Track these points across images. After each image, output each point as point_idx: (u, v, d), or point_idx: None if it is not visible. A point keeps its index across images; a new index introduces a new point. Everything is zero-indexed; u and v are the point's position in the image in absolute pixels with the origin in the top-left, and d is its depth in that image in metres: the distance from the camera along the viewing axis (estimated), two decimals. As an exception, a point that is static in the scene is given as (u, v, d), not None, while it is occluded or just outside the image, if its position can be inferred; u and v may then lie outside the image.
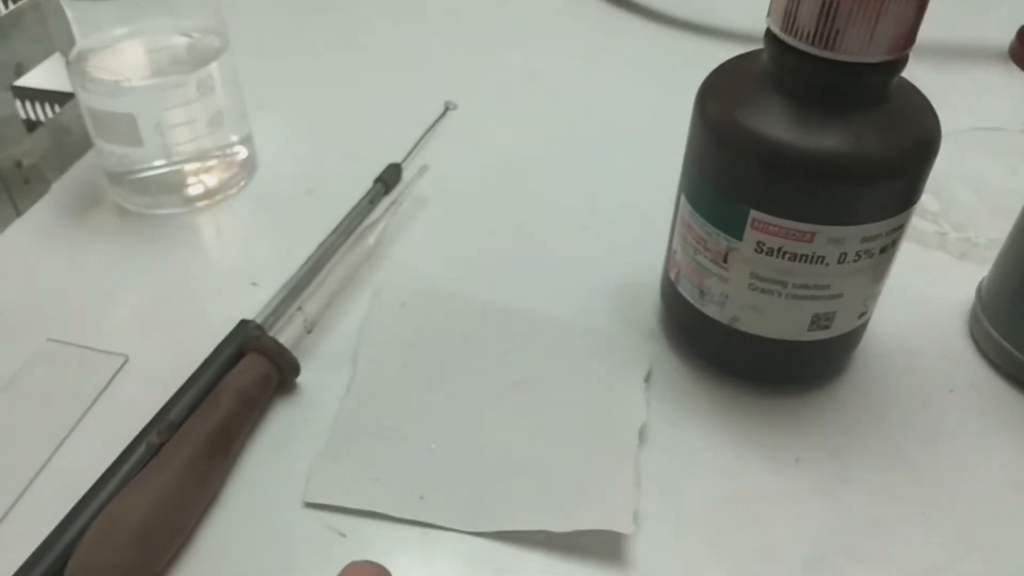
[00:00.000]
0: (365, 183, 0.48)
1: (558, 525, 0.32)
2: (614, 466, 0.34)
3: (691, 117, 0.35)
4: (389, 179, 0.48)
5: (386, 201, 0.47)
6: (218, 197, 0.47)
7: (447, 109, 0.55)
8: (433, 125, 0.53)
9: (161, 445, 0.33)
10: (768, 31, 0.32)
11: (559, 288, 0.43)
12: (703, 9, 0.66)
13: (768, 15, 0.32)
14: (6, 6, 0.46)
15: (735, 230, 0.33)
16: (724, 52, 0.60)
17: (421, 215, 0.47)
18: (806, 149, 0.31)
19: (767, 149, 0.31)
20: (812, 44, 0.30)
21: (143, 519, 0.30)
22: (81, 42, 0.43)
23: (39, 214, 0.47)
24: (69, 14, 0.43)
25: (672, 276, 0.38)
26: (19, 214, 0.47)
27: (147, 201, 0.47)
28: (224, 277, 0.44)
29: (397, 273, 0.42)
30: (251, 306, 0.40)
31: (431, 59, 0.61)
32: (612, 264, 0.44)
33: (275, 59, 0.58)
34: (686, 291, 0.37)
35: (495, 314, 0.41)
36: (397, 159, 0.50)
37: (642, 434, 0.35)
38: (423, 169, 0.47)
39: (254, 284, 0.43)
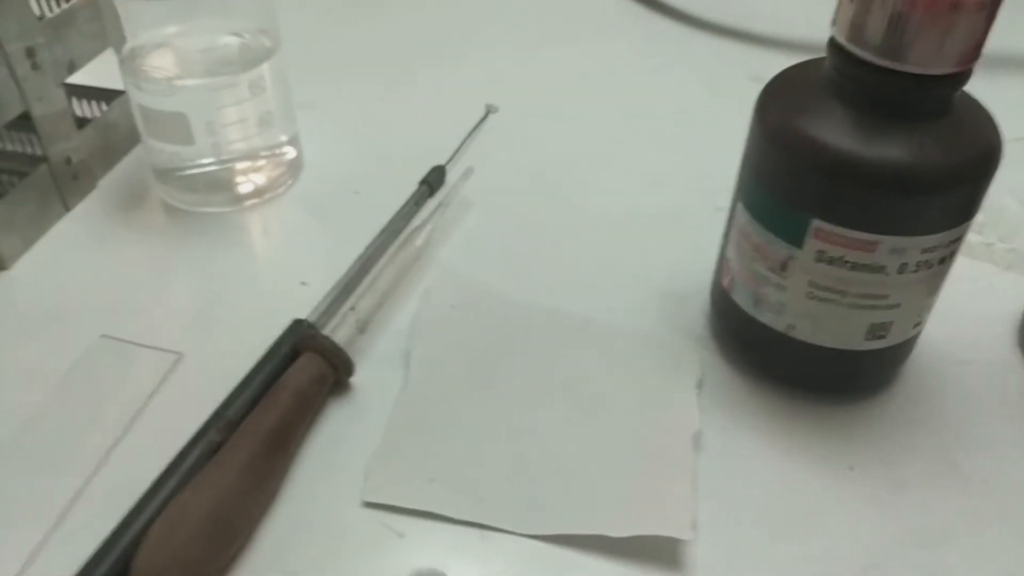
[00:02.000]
0: (409, 184, 0.48)
1: (617, 530, 0.32)
2: (670, 472, 0.34)
3: (750, 124, 0.35)
4: (433, 181, 0.49)
5: (431, 203, 0.47)
6: (266, 196, 0.48)
7: (488, 112, 0.55)
8: (475, 128, 0.53)
9: (221, 443, 0.33)
10: (832, 41, 0.32)
11: (605, 292, 0.43)
12: (742, 16, 0.66)
13: (833, 25, 0.32)
14: (58, 5, 0.46)
15: (795, 238, 0.33)
16: (763, 59, 0.61)
17: (466, 217, 0.48)
18: (871, 159, 0.31)
19: (831, 158, 0.31)
20: (880, 55, 0.30)
21: (207, 515, 0.30)
22: (132, 40, 0.44)
23: (86, 210, 0.48)
24: (121, 12, 0.43)
25: (725, 283, 0.38)
26: (68, 210, 0.47)
27: (194, 199, 0.47)
28: (273, 276, 0.44)
29: (445, 275, 0.43)
30: (301, 305, 0.40)
31: (471, 61, 0.62)
32: (658, 269, 0.44)
33: (316, 59, 0.58)
34: (740, 298, 0.37)
35: (543, 317, 0.41)
36: (440, 161, 0.50)
37: (696, 440, 0.35)
38: (468, 172, 0.48)
39: (303, 283, 0.43)
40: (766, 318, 0.36)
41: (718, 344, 0.40)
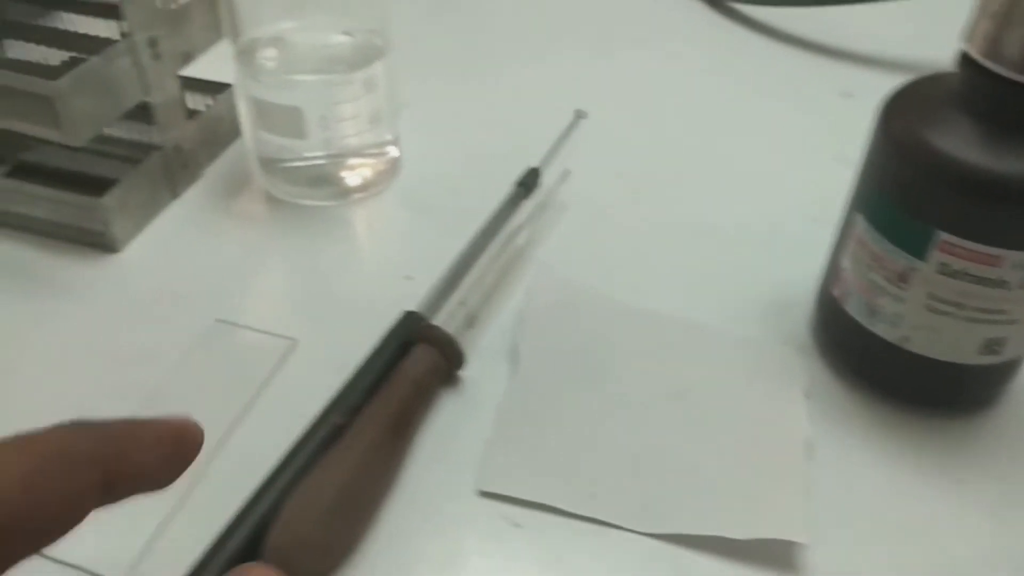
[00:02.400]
0: (503, 184, 0.49)
1: (736, 532, 0.32)
2: (784, 477, 0.34)
3: (872, 135, 0.35)
4: (529, 182, 0.49)
5: (527, 204, 0.48)
6: (370, 192, 0.49)
7: (577, 117, 0.56)
8: (566, 133, 0.54)
9: (343, 426, 0.34)
10: (965, 56, 0.33)
11: (702, 298, 0.43)
12: (830, 31, 0.66)
13: (967, 41, 0.32)
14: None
15: (917, 250, 0.33)
16: (851, 75, 0.61)
17: (562, 219, 0.48)
18: (1002, 173, 0.31)
19: (962, 171, 0.32)
20: (1017, 71, 0.31)
21: (336, 496, 0.31)
22: (246, 33, 0.45)
23: (192, 198, 0.49)
24: (238, 6, 0.44)
25: (836, 293, 0.38)
26: (175, 197, 0.48)
27: (299, 192, 0.48)
28: (377, 269, 0.45)
29: (547, 273, 0.43)
30: (406, 298, 0.41)
31: (560, 63, 0.62)
32: (755, 276, 0.44)
33: (406, 60, 0.59)
34: (853, 309, 0.37)
35: (647, 319, 0.41)
36: (529, 161, 0.51)
37: (807, 448, 0.35)
38: (565, 174, 0.48)
39: (408, 277, 0.44)
40: (879, 329, 0.36)
41: (822, 353, 0.40)
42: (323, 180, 0.48)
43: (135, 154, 0.49)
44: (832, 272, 0.39)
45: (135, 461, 0.22)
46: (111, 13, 0.45)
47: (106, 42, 0.45)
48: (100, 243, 0.45)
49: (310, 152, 0.46)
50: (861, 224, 0.36)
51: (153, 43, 0.44)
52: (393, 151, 0.49)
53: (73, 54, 0.47)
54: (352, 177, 0.48)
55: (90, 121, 0.41)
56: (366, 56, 0.45)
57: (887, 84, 0.61)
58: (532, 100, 0.58)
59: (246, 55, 0.44)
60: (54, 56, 0.48)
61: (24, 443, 0.20)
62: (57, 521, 0.20)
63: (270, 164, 0.48)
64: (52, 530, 0.20)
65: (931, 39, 0.65)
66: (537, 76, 0.61)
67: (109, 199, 0.43)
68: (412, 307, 0.41)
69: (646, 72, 0.62)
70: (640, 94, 0.60)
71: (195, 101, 0.51)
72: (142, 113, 0.45)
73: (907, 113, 0.34)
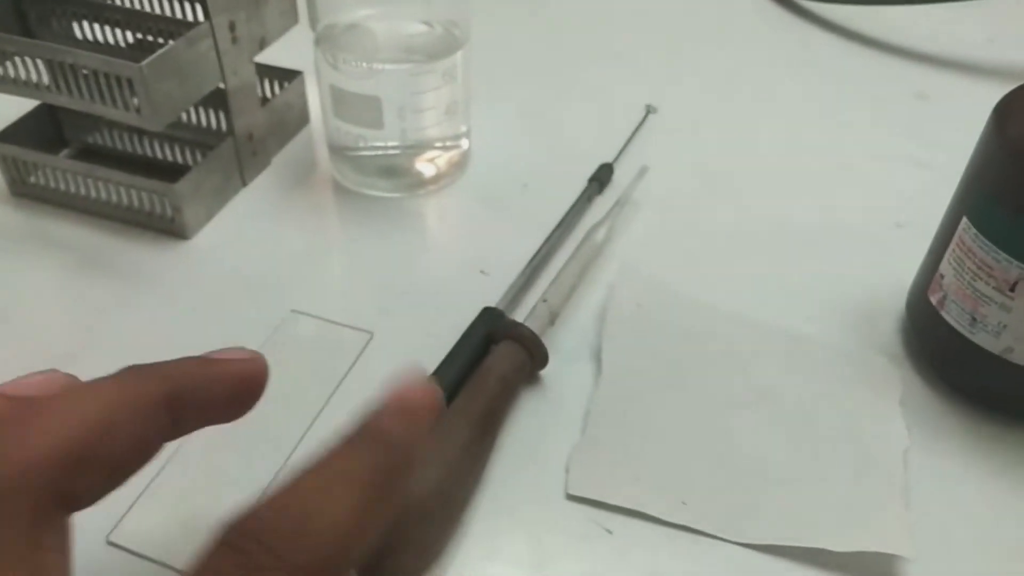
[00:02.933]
0: (574, 179, 0.48)
1: (836, 544, 0.31)
2: (883, 488, 0.33)
3: (984, 138, 0.34)
4: (603, 178, 0.48)
5: (605, 200, 0.47)
6: (440, 184, 0.48)
7: (648, 112, 0.55)
8: (638, 128, 0.53)
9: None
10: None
11: (785, 300, 0.42)
12: (904, 33, 0.65)
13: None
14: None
15: (1031, 259, 0.32)
16: (926, 77, 0.60)
17: (637, 216, 0.47)
18: None
19: (1085, 178, 0.30)
20: None
21: (429, 495, 0.30)
22: (324, 19, 0.44)
23: (261, 186, 0.48)
24: (318, -8, 0.43)
25: (934, 300, 0.37)
26: (244, 184, 0.48)
27: (370, 182, 0.47)
28: (451, 263, 0.44)
29: (629, 272, 0.42)
30: (482, 293, 0.40)
31: (630, 58, 0.61)
32: (840, 281, 0.43)
33: (479, 50, 0.58)
34: (953, 317, 0.36)
35: (731, 321, 0.40)
36: (600, 157, 0.50)
37: (905, 458, 0.34)
38: (643, 170, 0.47)
39: (483, 272, 0.43)
40: (981, 339, 0.35)
41: (915, 361, 0.39)
42: (395, 171, 0.47)
43: (199, 139, 0.48)
44: (928, 278, 0.38)
45: (202, 398, 0.24)
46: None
47: (174, 23, 0.45)
48: (171, 229, 0.44)
49: (384, 142, 0.45)
50: (968, 231, 0.34)
51: (232, 27, 0.43)
52: (465, 143, 0.48)
53: (139, 35, 0.46)
54: (425, 168, 0.47)
55: (170, 105, 0.40)
56: (447, 46, 0.44)
57: (961, 86, 0.60)
58: (603, 95, 0.58)
59: (325, 42, 0.44)
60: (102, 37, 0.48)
61: (97, 390, 0.22)
62: (131, 460, 0.22)
63: (341, 152, 0.47)
64: (127, 468, 0.22)
65: (1005, 40, 0.64)
66: (608, 71, 0.60)
67: (183, 185, 0.42)
68: (488, 303, 0.40)
69: (718, 70, 0.61)
70: (713, 92, 0.59)
71: (266, 87, 0.51)
72: (210, 98, 0.44)
73: (1022, 117, 0.33)
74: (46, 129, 0.48)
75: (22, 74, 0.42)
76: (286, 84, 0.50)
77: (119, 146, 0.50)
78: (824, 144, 0.54)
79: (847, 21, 0.66)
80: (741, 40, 0.65)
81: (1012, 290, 0.33)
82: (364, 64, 0.43)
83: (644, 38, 0.64)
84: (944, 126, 0.55)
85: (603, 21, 0.66)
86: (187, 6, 0.45)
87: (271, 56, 0.48)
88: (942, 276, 0.36)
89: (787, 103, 0.58)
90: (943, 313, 0.36)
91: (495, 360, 0.35)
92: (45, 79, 0.41)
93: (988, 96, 0.54)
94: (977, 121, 0.35)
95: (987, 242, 0.34)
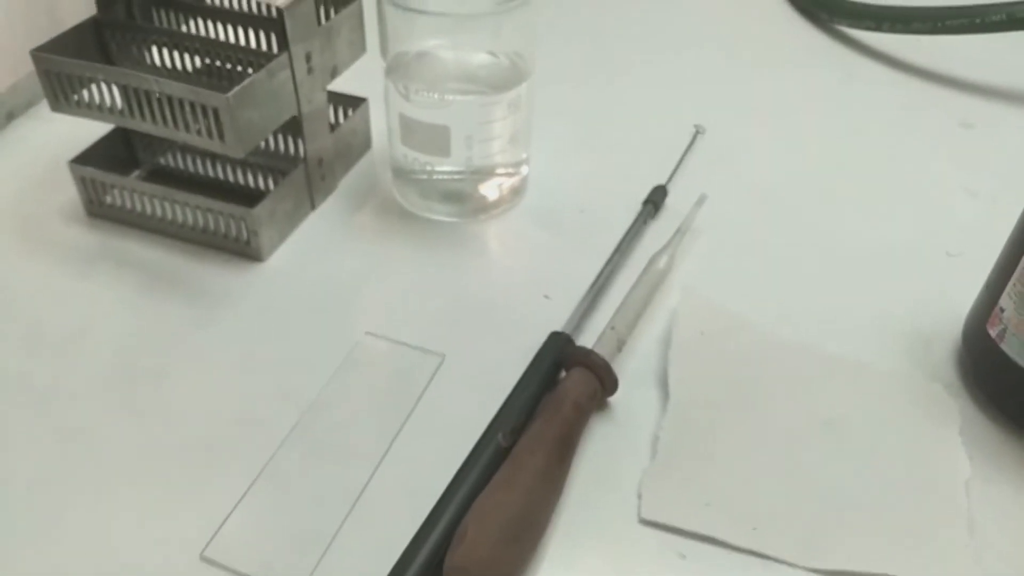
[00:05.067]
0: (630, 202, 0.50)
1: (904, 570, 0.32)
2: (946, 517, 0.34)
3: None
4: (657, 200, 0.50)
5: (668, 226, 0.48)
6: (501, 209, 0.49)
7: (697, 133, 0.56)
8: (688, 149, 0.54)
9: (508, 448, 0.35)
10: None
11: (843, 326, 0.43)
12: (948, 60, 0.66)
13: None
14: (327, 16, 0.48)
15: (1094, 297, 0.33)
16: (970, 106, 0.61)
17: (698, 242, 0.48)
18: None
19: None
20: None
21: (513, 517, 0.31)
22: (393, 48, 0.45)
23: (329, 210, 0.50)
24: (389, 21, 0.44)
25: (993, 333, 0.38)
26: (313, 208, 0.49)
27: (433, 207, 0.49)
28: (514, 286, 0.45)
29: (692, 299, 0.43)
30: (547, 317, 0.42)
31: (683, 83, 0.63)
32: (896, 308, 0.44)
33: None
34: (1012, 350, 0.37)
35: (792, 350, 0.41)
36: (653, 179, 0.51)
37: (967, 488, 0.35)
38: (702, 198, 0.48)
39: (546, 296, 0.44)
40: (1041, 372, 0.36)
41: (972, 391, 0.40)
42: (458, 196, 0.48)
43: (269, 163, 0.50)
44: (987, 311, 0.39)
45: None
46: (271, 26, 0.46)
47: (249, 51, 0.46)
48: (246, 252, 0.45)
49: (449, 168, 0.47)
50: (1030, 267, 0.35)
51: (308, 57, 0.44)
52: (525, 169, 0.50)
53: (207, 60, 0.48)
54: (489, 193, 0.48)
55: (251, 133, 0.42)
56: (514, 77, 0.45)
57: (1006, 115, 0.61)
58: (652, 117, 0.59)
59: (395, 72, 0.45)
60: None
61: None
62: None
63: (406, 177, 0.48)
64: None
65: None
66: (658, 95, 0.62)
67: (260, 210, 0.44)
68: (552, 326, 0.41)
69: (763, 92, 0.62)
70: (757, 113, 0.60)
71: (333, 113, 0.52)
72: (282, 125, 0.45)
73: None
74: (119, 151, 0.50)
75: (107, 100, 0.43)
76: (351, 111, 0.51)
77: (189, 168, 0.51)
78: (871, 171, 0.55)
79: (891, 49, 0.67)
80: (791, 66, 0.66)
81: (1074, 327, 0.34)
82: (435, 95, 0.44)
83: (696, 62, 0.66)
84: (990, 155, 0.56)
85: (655, 45, 0.68)
86: (262, 36, 0.47)
87: (337, 83, 0.50)
88: (1002, 310, 0.37)
89: (833, 130, 0.59)
90: (1003, 346, 0.37)
91: (568, 387, 0.37)
92: (129, 105, 0.43)
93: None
94: (1022, 150, 0.36)
95: (1050, 280, 0.35)
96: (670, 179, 0.52)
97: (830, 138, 0.58)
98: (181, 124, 0.42)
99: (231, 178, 0.51)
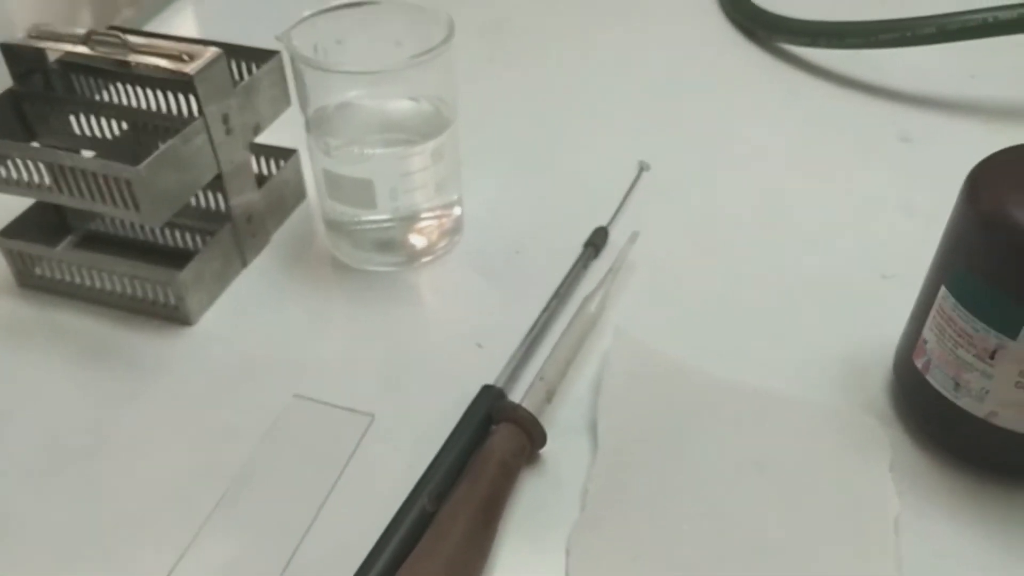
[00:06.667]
0: (567, 242, 0.49)
1: (832, 617, 0.32)
2: (875, 557, 0.34)
3: (957, 208, 0.35)
4: (598, 242, 0.49)
5: (598, 266, 0.48)
6: (436, 253, 0.49)
7: (641, 170, 0.56)
8: (632, 187, 0.54)
9: (433, 513, 0.34)
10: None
11: (776, 359, 0.43)
12: (886, 73, 0.66)
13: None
14: (248, 74, 0.48)
15: (1009, 329, 0.33)
16: (910, 118, 0.61)
17: (631, 280, 0.48)
18: (1098, 255, 0.31)
19: (1056, 252, 0.31)
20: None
21: (433, 591, 0.31)
22: (314, 102, 0.45)
23: (261, 266, 0.49)
24: (308, 77, 0.44)
25: (919, 364, 0.38)
26: (244, 266, 0.49)
27: (366, 256, 0.48)
28: (448, 336, 0.45)
29: (622, 341, 0.43)
30: (480, 368, 0.41)
31: (620, 115, 0.62)
32: (830, 336, 0.44)
33: (465, 110, 0.60)
34: (937, 382, 0.37)
35: (723, 389, 0.41)
36: (595, 218, 0.51)
37: (896, 525, 0.35)
38: (634, 235, 0.48)
39: (479, 345, 0.44)
40: (965, 403, 0.36)
41: (903, 421, 0.40)
42: (389, 244, 0.48)
43: (200, 222, 0.49)
44: (912, 341, 0.38)
45: None
46: (185, 88, 0.46)
47: (164, 116, 0.46)
48: (175, 316, 0.45)
49: (377, 217, 0.46)
50: (947, 300, 0.35)
51: (225, 119, 0.44)
52: (457, 210, 0.50)
53: (124, 125, 0.48)
54: (419, 240, 0.48)
55: (168, 201, 0.42)
56: (435, 126, 0.45)
57: (943, 127, 0.61)
58: (594, 152, 0.59)
59: (316, 126, 0.45)
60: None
61: None
62: None
63: (337, 228, 0.48)
64: None
65: (986, 76, 0.65)
66: (599, 126, 0.61)
67: (185, 274, 0.44)
68: (487, 379, 0.41)
69: (705, 121, 0.62)
70: (698, 142, 0.60)
71: (262, 166, 0.52)
72: (215, 184, 0.45)
73: (996, 186, 0.34)
74: (50, 219, 0.50)
75: (24, 176, 0.43)
76: (282, 162, 0.51)
77: (120, 232, 0.51)
78: (811, 193, 0.55)
79: (831, 64, 0.67)
80: (730, 87, 0.66)
81: (992, 358, 0.34)
82: (355, 149, 0.44)
83: (632, 92, 0.65)
84: (928, 170, 0.56)
85: (588, 79, 0.67)
86: (181, 99, 0.47)
87: (265, 135, 0.49)
88: (925, 341, 0.37)
89: (774, 151, 0.59)
90: (928, 377, 0.37)
91: (495, 444, 0.36)
92: (46, 179, 0.43)
93: (971, 136, 0.55)
94: (959, 163, 0.36)
95: (965, 311, 0.34)
96: (612, 220, 0.52)
97: (771, 161, 0.58)
98: (98, 196, 0.41)
99: (161, 240, 0.50)
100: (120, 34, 0.43)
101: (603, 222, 0.51)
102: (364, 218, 0.47)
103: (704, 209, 0.53)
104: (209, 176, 0.44)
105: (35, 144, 0.47)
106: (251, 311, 0.47)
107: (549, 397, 0.40)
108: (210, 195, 0.50)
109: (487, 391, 0.40)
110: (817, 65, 0.68)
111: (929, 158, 0.57)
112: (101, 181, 0.41)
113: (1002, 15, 0.57)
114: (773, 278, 0.48)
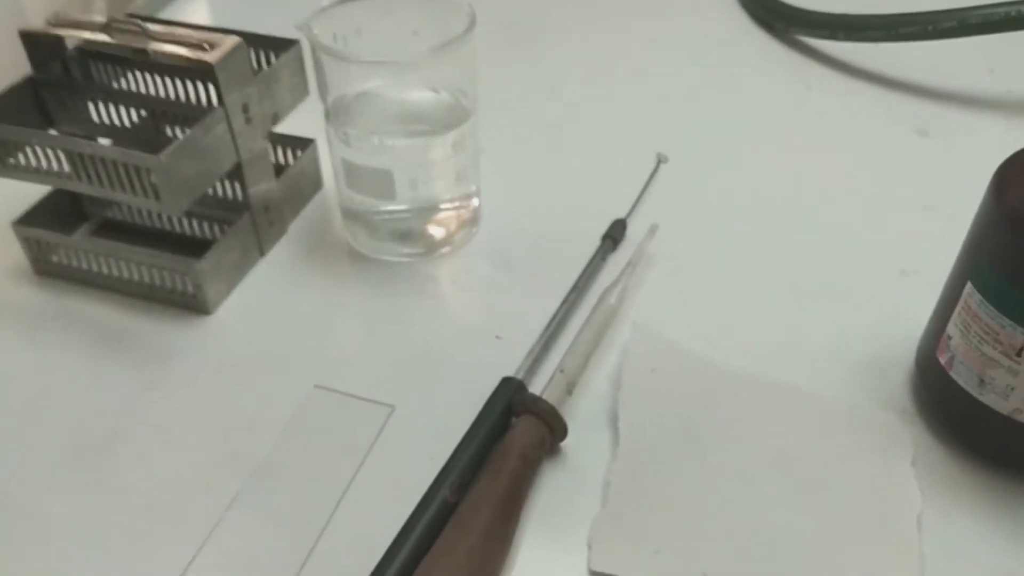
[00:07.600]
0: (587, 236, 0.49)
1: (854, 613, 0.32)
2: (898, 554, 0.34)
3: (983, 204, 0.35)
4: (616, 235, 0.49)
5: (618, 259, 0.48)
6: (454, 243, 0.49)
7: (659, 162, 0.55)
8: (650, 180, 0.54)
9: (455, 504, 0.34)
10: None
11: (797, 355, 0.43)
12: (905, 67, 0.65)
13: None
14: (267, 63, 0.47)
15: (1036, 325, 0.33)
16: (928, 112, 0.60)
17: (650, 274, 0.48)
18: None
19: (1086, 250, 0.31)
20: None
21: (456, 583, 0.31)
22: (334, 91, 0.45)
23: (279, 255, 0.49)
24: (327, 66, 0.44)
25: (943, 360, 0.38)
26: (262, 255, 0.49)
27: (384, 247, 0.48)
28: (466, 328, 0.45)
29: (642, 335, 0.43)
30: (499, 359, 0.41)
31: (639, 108, 0.62)
32: (850, 332, 0.44)
33: (486, 102, 0.59)
34: (961, 378, 0.37)
35: (743, 383, 0.41)
36: (613, 211, 0.51)
37: (919, 521, 0.35)
38: (653, 228, 0.48)
39: (497, 337, 0.44)
40: (990, 400, 0.36)
41: (925, 418, 0.40)
42: (407, 235, 0.48)
43: (218, 210, 0.49)
44: (936, 338, 0.38)
45: None
46: (205, 77, 0.45)
47: (184, 105, 0.46)
48: (193, 305, 0.45)
49: (396, 208, 0.46)
50: (972, 296, 0.35)
51: (245, 108, 0.44)
52: (475, 201, 0.49)
53: (142, 113, 0.48)
54: (437, 230, 0.48)
55: (188, 190, 0.41)
56: (455, 117, 0.45)
57: (961, 122, 0.61)
58: (612, 144, 0.58)
59: (335, 116, 0.45)
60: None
61: None
62: None
63: (354, 217, 0.48)
64: None
65: (1005, 71, 0.64)
66: (617, 119, 0.61)
67: (204, 263, 0.43)
68: (506, 371, 0.41)
69: (723, 114, 0.62)
70: (717, 135, 0.59)
71: (276, 157, 0.52)
72: (234, 174, 0.45)
73: (1022, 183, 0.34)
74: (66, 206, 0.49)
75: (43, 163, 0.43)
76: (299, 152, 0.51)
77: (137, 220, 0.51)
78: (831, 188, 0.54)
79: (848, 57, 0.67)
80: (747, 80, 0.66)
81: (1019, 355, 0.34)
82: (375, 139, 0.44)
83: (651, 84, 0.65)
84: (945, 165, 0.55)
85: (606, 70, 0.67)
86: (200, 87, 0.46)
87: (283, 124, 0.49)
88: (949, 337, 0.37)
89: (791, 145, 0.58)
90: (952, 374, 0.37)
91: (515, 437, 0.36)
92: (65, 167, 0.42)
93: (989, 131, 0.55)
94: (978, 158, 0.36)
95: (992, 308, 0.34)
96: (630, 212, 0.51)
97: (789, 154, 0.57)
98: (117, 185, 0.41)
99: (179, 228, 0.50)
100: (140, 22, 0.43)
101: (621, 214, 0.51)
102: (382, 208, 0.47)
103: (722, 202, 0.53)
104: (228, 165, 0.44)
105: (53, 132, 0.47)
106: (269, 300, 0.46)
107: (569, 389, 0.40)
108: (228, 184, 0.49)
109: (507, 383, 0.40)
110: (835, 58, 0.67)
111: (947, 153, 0.57)
112: (121, 169, 0.40)
113: (1024, 9, 0.56)
114: (791, 271, 0.48)
